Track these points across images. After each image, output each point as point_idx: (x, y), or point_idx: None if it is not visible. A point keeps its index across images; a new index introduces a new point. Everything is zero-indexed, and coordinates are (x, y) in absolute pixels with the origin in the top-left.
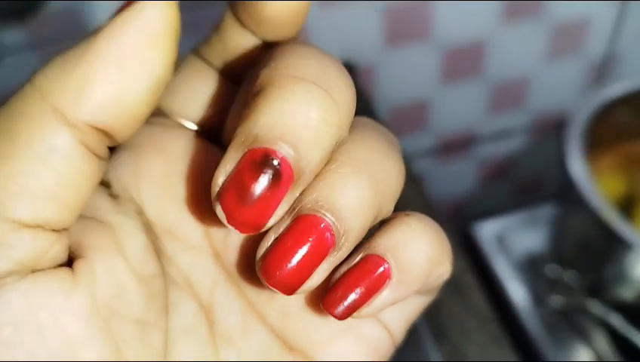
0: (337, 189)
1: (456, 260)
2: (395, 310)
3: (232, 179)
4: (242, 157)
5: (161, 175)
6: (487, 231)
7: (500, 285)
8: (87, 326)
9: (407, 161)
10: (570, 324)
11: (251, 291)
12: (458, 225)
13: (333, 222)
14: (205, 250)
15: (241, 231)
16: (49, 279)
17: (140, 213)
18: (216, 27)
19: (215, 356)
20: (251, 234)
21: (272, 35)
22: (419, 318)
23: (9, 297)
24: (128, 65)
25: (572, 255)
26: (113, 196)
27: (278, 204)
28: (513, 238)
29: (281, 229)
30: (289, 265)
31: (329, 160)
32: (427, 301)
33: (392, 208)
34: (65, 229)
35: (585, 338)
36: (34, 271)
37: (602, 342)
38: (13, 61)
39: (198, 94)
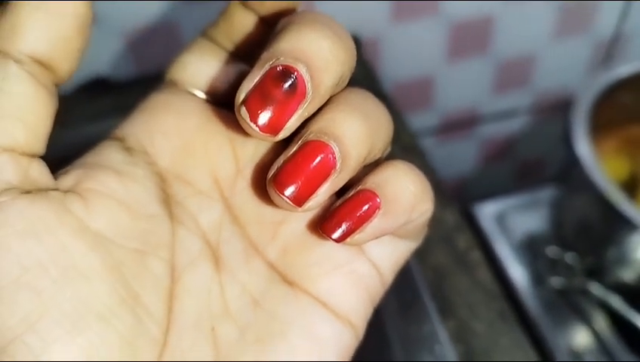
0: (338, 121)
1: (462, 237)
2: (383, 250)
3: (257, 86)
4: (267, 71)
5: (173, 128)
6: (487, 211)
7: (500, 265)
8: (82, 241)
9: (412, 137)
10: (569, 305)
11: (254, 231)
12: (459, 205)
13: (335, 147)
14: (213, 195)
15: (260, 131)
16: (41, 198)
17: (152, 163)
18: (222, 12)
19: (220, 288)
20: (268, 138)
21: (271, 12)
22: (425, 293)
23: (8, 212)
24: (51, 6)
25: (573, 236)
26: (127, 149)
27: (294, 111)
28: (514, 219)
29: (291, 153)
30: (299, 178)
31: (330, 100)
32: (413, 246)
33: (382, 148)
34: (35, 155)
35: (584, 318)
36: (26, 192)
37: (601, 323)
38: None
39: (205, 67)
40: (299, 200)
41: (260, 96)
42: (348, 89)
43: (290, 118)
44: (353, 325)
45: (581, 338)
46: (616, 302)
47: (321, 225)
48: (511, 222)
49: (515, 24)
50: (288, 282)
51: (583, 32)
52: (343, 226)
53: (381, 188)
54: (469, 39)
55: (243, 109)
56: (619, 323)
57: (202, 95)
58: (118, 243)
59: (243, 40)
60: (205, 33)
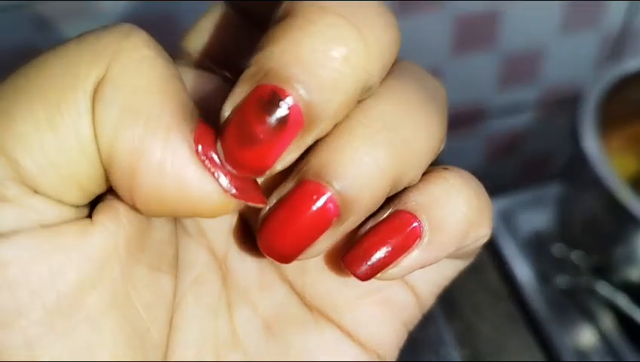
0: (348, 154)
1: None
2: (425, 273)
3: (235, 116)
4: (250, 93)
5: None
6: (493, 208)
7: (506, 264)
8: (99, 270)
9: None
10: (576, 304)
11: None
12: None
13: (338, 192)
14: None
15: (239, 173)
16: (67, 225)
17: None
18: None
19: (228, 310)
20: (254, 177)
21: None
22: None
23: (19, 237)
24: None
25: (580, 234)
26: None
27: (282, 151)
28: (520, 216)
29: (284, 192)
30: (285, 236)
31: (349, 115)
32: (462, 266)
33: (417, 175)
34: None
35: (591, 318)
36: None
37: (608, 323)
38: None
39: (224, 35)
40: (285, 259)
41: (239, 130)
42: (381, 88)
43: (277, 158)
44: (383, 358)
45: (587, 338)
46: (624, 302)
47: (344, 257)
48: (517, 219)
49: (521, 18)
50: (308, 306)
51: (590, 26)
52: (372, 260)
53: (425, 210)
54: (474, 33)
55: (219, 145)
56: (626, 322)
57: (220, 70)
58: (137, 257)
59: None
60: None
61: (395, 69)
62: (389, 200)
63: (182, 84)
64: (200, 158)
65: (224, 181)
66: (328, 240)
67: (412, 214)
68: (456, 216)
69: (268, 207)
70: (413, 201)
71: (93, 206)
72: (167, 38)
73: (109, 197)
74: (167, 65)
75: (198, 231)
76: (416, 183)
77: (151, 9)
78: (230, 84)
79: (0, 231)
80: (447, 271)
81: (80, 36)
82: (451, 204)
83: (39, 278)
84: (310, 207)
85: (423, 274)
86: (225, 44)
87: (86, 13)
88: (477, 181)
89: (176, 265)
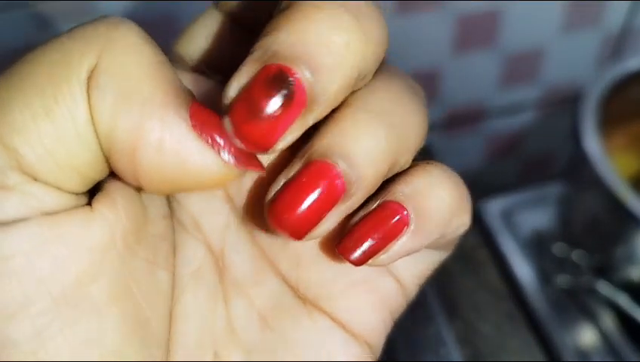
0: (350, 135)
1: (468, 236)
2: (409, 263)
3: (245, 92)
4: (256, 74)
5: None
6: (494, 208)
7: (506, 263)
8: (100, 261)
9: None
10: (576, 304)
11: (264, 238)
12: None
13: (345, 170)
14: (217, 194)
15: (247, 148)
16: (68, 213)
17: None
18: None
19: (225, 304)
20: (259, 153)
21: None
22: (432, 294)
23: (22, 226)
24: None
25: (581, 234)
26: None
27: (287, 126)
28: (521, 216)
29: (292, 173)
30: (298, 210)
31: (347, 101)
32: (442, 256)
33: (408, 161)
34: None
35: (591, 317)
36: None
37: (609, 322)
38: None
39: (217, 41)
40: (297, 233)
41: (246, 107)
42: (374, 80)
43: (282, 135)
44: (371, 346)
45: (588, 337)
46: (625, 301)
47: (338, 244)
48: (517, 219)
49: (522, 17)
50: (301, 298)
51: (591, 26)
52: (364, 246)
53: (411, 200)
54: (475, 32)
55: (227, 121)
56: (627, 322)
57: (213, 73)
58: (134, 250)
59: (253, 9)
60: (216, 4)
61: (382, 68)
62: (377, 193)
63: (172, 69)
64: (197, 132)
65: (222, 152)
66: (336, 216)
67: (399, 204)
68: (440, 205)
69: (276, 188)
70: (400, 193)
71: (91, 198)
72: (168, 38)
73: (107, 189)
74: (156, 52)
75: (195, 226)
76: (403, 176)
77: (151, 9)
78: (223, 87)
79: (4, 220)
80: (429, 262)
81: (70, 30)
82: (435, 195)
83: (44, 267)
84: (320, 183)
85: (406, 265)
86: (215, 48)
87: (86, 13)
88: (457, 175)
89: (172, 260)
